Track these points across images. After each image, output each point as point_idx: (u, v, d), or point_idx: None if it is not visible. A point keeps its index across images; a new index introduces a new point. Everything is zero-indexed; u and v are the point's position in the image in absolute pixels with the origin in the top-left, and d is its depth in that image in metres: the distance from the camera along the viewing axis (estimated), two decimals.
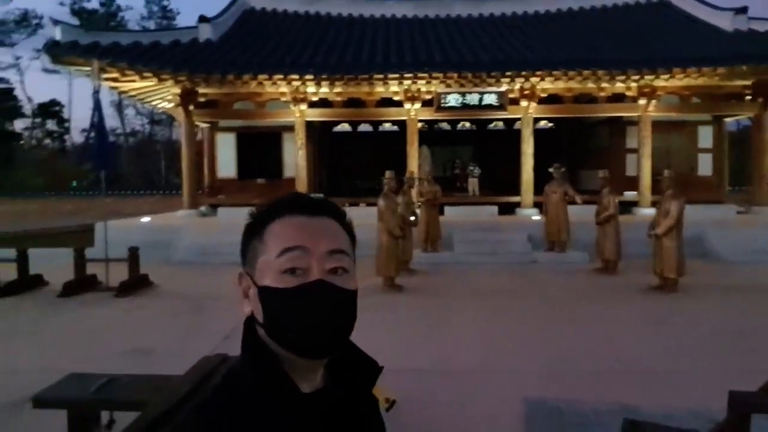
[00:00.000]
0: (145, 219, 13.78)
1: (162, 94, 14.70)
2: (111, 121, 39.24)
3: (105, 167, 8.97)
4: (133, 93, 14.47)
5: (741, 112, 15.09)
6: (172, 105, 14.45)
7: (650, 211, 11.99)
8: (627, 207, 12.97)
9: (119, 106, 38.26)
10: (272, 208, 0.85)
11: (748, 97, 14.00)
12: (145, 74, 12.26)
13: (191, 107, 13.79)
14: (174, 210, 15.72)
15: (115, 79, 12.55)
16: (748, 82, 13.33)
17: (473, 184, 16.90)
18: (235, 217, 12.16)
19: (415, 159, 13.56)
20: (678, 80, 12.86)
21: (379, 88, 13.32)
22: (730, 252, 10.92)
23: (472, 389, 4.47)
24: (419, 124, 14.16)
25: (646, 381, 4.61)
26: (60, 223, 19.47)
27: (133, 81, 12.74)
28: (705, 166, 16.00)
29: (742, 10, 15.01)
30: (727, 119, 16.42)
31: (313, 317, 0.78)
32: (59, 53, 12.05)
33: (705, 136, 15.98)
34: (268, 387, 0.79)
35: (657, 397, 4.20)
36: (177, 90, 13.42)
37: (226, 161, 16.05)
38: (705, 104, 14.43)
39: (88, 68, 10.78)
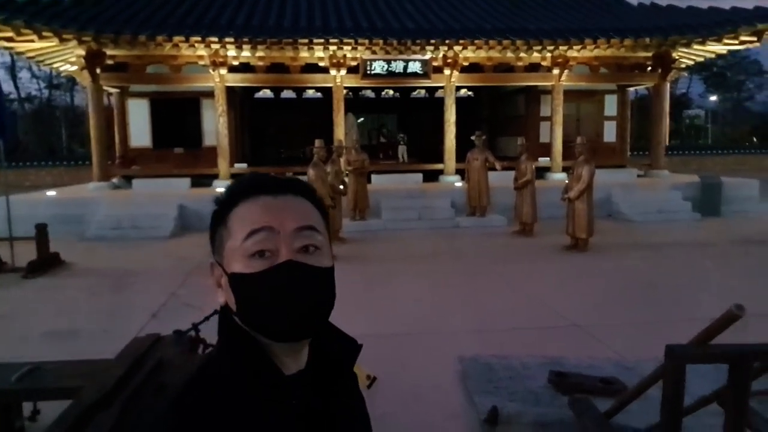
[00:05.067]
0: (52, 193, 12.78)
1: (65, 56, 13.46)
2: (3, 85, 35.45)
3: (2, 135, 8.16)
4: (30, 54, 13.12)
5: (643, 81, 16.19)
6: (76, 68, 13.28)
7: (561, 176, 12.75)
8: (540, 173, 13.65)
9: (12, 69, 34.57)
10: (234, 192, 0.81)
11: (649, 68, 15.03)
12: (45, 34, 11.14)
13: (98, 71, 12.74)
14: (82, 182, 14.70)
15: (9, 39, 11.28)
16: (649, 54, 14.28)
17: (402, 151, 17.13)
18: (152, 188, 11.63)
19: (341, 127, 13.45)
20: (589, 51, 13.54)
21: (304, 54, 12.98)
22: (634, 212, 11.90)
23: (410, 351, 4.65)
24: (344, 92, 14.00)
25: (568, 334, 5.01)
26: None
27: (31, 41, 11.53)
28: (610, 132, 17.09)
29: None
30: (630, 89, 17.57)
31: (286, 300, 0.75)
32: None
33: (610, 105, 17.02)
34: (250, 372, 0.76)
35: (578, 348, 4.58)
36: (81, 51, 12.34)
37: (140, 129, 15.07)
38: (612, 74, 15.33)
39: None
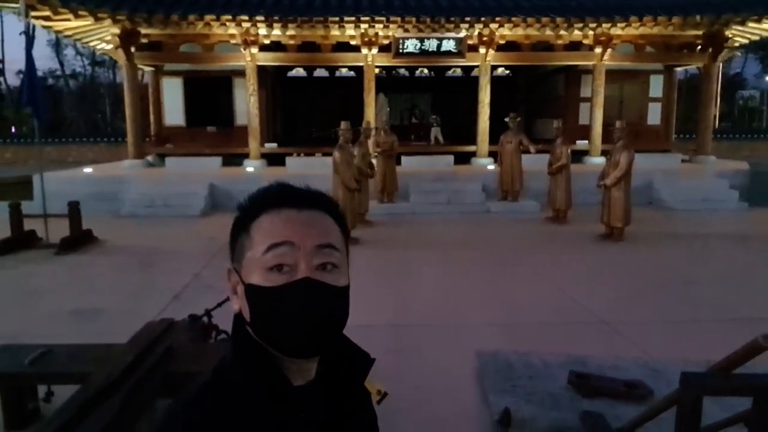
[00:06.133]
0: (88, 170, 13.08)
1: (101, 35, 13.64)
2: (49, 62, 36.47)
3: (37, 113, 8.32)
4: (68, 33, 13.34)
5: (691, 62, 15.33)
6: (111, 47, 13.45)
7: (600, 160, 12.24)
8: (578, 156, 13.17)
9: (57, 46, 35.44)
10: (259, 202, 0.81)
11: (699, 48, 14.20)
12: (80, 12, 11.29)
13: (133, 49, 12.88)
14: (120, 159, 15.00)
15: (47, 18, 11.47)
16: (699, 33, 13.47)
17: (435, 132, 16.86)
18: (185, 167, 11.72)
19: (372, 107, 13.25)
20: (634, 29, 12.86)
21: (335, 32, 12.77)
22: (676, 200, 11.35)
23: (427, 343, 4.52)
24: (376, 71, 13.76)
25: (595, 331, 4.78)
26: None
27: (68, 20, 11.71)
28: (654, 115, 16.32)
29: None
30: (677, 69, 16.69)
31: (299, 316, 0.75)
32: None
33: (656, 86, 16.22)
34: (260, 382, 0.77)
35: (604, 346, 4.36)
36: (116, 30, 12.47)
37: (174, 108, 15.24)
38: (658, 54, 14.56)
39: (15, 5, 9.82)
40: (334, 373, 0.84)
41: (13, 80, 35.61)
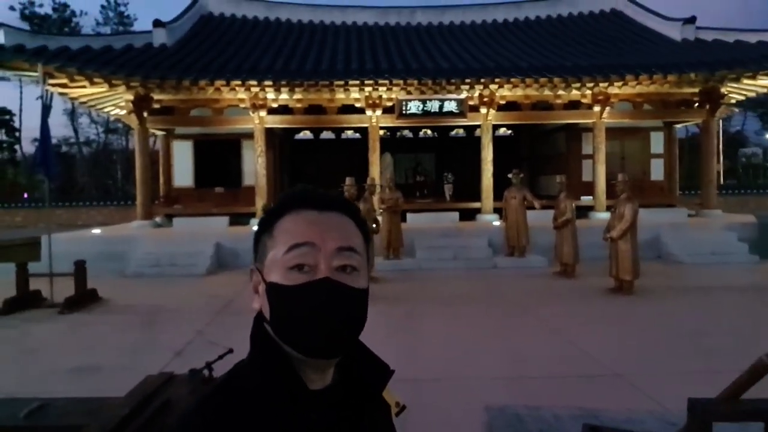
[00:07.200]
0: (96, 230, 13.23)
1: (114, 101, 14.19)
2: (64, 130, 37.75)
3: (48, 173, 8.52)
4: (84, 99, 13.90)
5: (690, 118, 15.64)
6: (125, 112, 13.97)
7: (605, 215, 12.21)
8: (583, 211, 13.21)
9: (72, 114, 36.74)
10: (282, 203, 0.83)
11: (697, 104, 14.51)
12: (96, 79, 11.80)
13: (145, 114, 13.35)
14: (129, 221, 15.18)
15: (63, 85, 12.02)
16: (695, 90, 13.81)
17: (448, 189, 17.24)
18: (192, 227, 11.82)
19: (377, 166, 13.49)
20: (630, 87, 13.22)
21: (340, 95, 13.21)
22: (684, 253, 11.24)
23: (434, 398, 4.37)
24: (381, 132, 14.11)
25: (607, 384, 4.61)
26: (7, 236, 18.54)
27: (83, 87, 12.23)
28: (657, 170, 16.48)
29: (691, 20, 15.61)
30: (678, 125, 16.99)
31: (318, 316, 0.76)
32: (4, 57, 11.48)
33: (657, 142, 16.47)
34: (275, 383, 0.77)
35: (617, 400, 4.19)
36: (130, 96, 12.98)
37: (183, 170, 15.58)
38: (656, 111, 14.89)
39: (34, 73, 10.30)
40: (352, 381, 0.84)
41: (29, 148, 36.76)
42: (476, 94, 13.35)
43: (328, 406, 0.79)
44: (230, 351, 3.05)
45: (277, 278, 0.78)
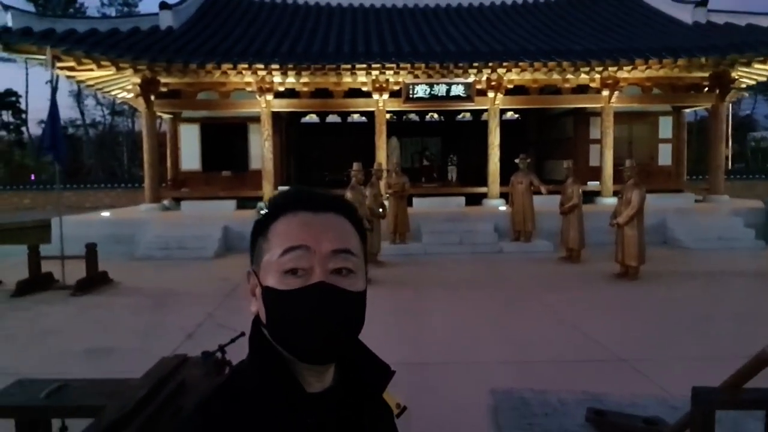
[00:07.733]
0: (105, 213, 13.34)
1: (121, 84, 14.19)
2: (70, 111, 37.73)
3: (57, 157, 8.58)
4: (91, 82, 13.91)
5: (699, 103, 15.48)
6: (132, 95, 13.95)
7: (612, 201, 12.21)
8: (590, 197, 13.19)
9: (78, 96, 36.72)
10: (277, 205, 0.81)
11: (706, 89, 14.36)
12: (103, 63, 11.79)
13: (152, 97, 13.34)
14: (137, 204, 15.28)
15: (71, 68, 12.02)
16: (705, 74, 13.66)
17: (452, 171, 17.28)
18: (199, 210, 11.94)
19: (383, 150, 13.48)
20: (640, 71, 13.09)
21: (347, 79, 13.16)
22: (690, 239, 11.24)
23: (440, 381, 4.46)
24: (388, 116, 14.07)
25: (611, 368, 4.69)
26: (16, 218, 18.72)
27: (91, 70, 12.24)
28: (665, 155, 16.36)
29: (702, 3, 15.36)
30: (686, 110, 16.84)
31: (314, 321, 0.75)
32: (11, 40, 11.48)
33: (665, 127, 16.33)
34: (273, 387, 0.77)
35: (621, 384, 4.26)
36: (137, 79, 12.97)
37: (190, 153, 15.62)
38: (665, 95, 14.74)
39: (42, 56, 10.31)
40: (352, 382, 0.83)
41: (35, 129, 36.82)
42: (484, 78, 13.26)
43: (326, 409, 0.78)
44: (242, 334, 3.13)
45: (272, 282, 0.77)
